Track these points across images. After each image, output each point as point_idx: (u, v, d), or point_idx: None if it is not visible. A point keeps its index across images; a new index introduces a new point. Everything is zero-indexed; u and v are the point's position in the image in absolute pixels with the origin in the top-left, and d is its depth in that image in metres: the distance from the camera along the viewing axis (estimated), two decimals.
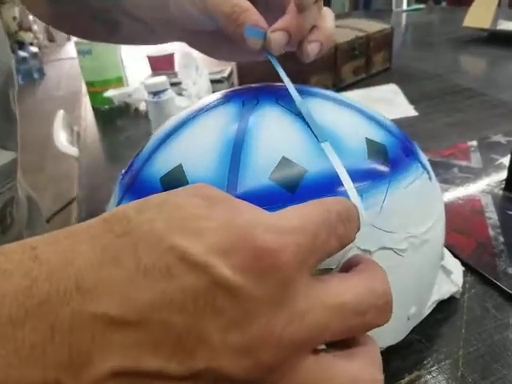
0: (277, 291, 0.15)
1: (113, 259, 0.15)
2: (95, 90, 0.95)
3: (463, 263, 0.40)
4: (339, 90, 0.90)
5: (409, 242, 0.26)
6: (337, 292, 0.17)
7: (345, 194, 0.24)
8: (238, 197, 0.23)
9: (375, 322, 0.18)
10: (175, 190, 0.18)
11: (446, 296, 0.34)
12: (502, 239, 0.43)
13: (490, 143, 0.64)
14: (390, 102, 0.80)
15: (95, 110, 0.97)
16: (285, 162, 0.24)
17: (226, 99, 0.29)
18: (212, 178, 0.24)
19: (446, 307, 0.36)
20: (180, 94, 0.89)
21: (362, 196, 0.24)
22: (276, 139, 0.25)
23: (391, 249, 0.25)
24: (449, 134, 0.70)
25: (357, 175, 0.25)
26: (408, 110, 0.77)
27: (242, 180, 0.24)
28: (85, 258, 0.15)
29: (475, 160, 0.59)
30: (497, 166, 0.57)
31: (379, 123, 0.29)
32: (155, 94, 0.75)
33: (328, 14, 0.30)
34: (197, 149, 0.26)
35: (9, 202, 0.36)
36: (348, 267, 0.20)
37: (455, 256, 0.40)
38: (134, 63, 1.15)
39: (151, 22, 0.41)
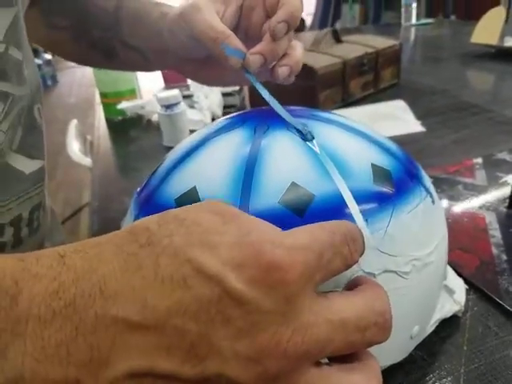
0: (284, 304, 0.16)
1: (135, 268, 0.17)
2: (108, 101, 0.97)
3: (466, 281, 0.41)
4: (347, 104, 0.92)
5: (412, 265, 0.27)
6: (339, 309, 0.18)
7: (351, 218, 0.25)
8: None
9: (375, 339, 0.19)
10: (191, 205, 0.20)
11: (449, 315, 0.35)
12: (504, 257, 0.44)
13: (495, 160, 0.65)
14: (397, 118, 0.81)
15: (108, 120, 0.99)
16: (294, 187, 0.26)
17: (239, 124, 0.31)
18: (224, 200, 0.26)
19: (449, 325, 0.37)
20: (192, 107, 0.91)
21: (367, 220, 0.25)
22: (286, 165, 0.27)
23: (395, 272, 0.26)
24: (455, 150, 0.71)
25: (362, 200, 0.26)
26: (415, 126, 0.78)
27: (253, 203, 0.25)
28: (109, 266, 0.17)
29: (480, 177, 0.60)
30: (501, 184, 0.58)
31: (384, 148, 0.31)
32: (168, 107, 0.77)
33: (297, 44, 0.36)
34: (210, 172, 0.28)
35: (36, 206, 0.38)
36: (351, 287, 0.21)
37: (458, 274, 0.41)
38: (147, 75, 1.18)
39: (146, 50, 0.45)
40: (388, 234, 0.26)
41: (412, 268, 0.27)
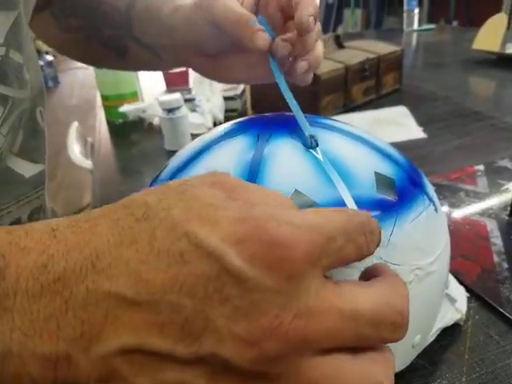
0: (286, 284, 0.15)
1: (130, 242, 0.16)
2: (110, 104, 0.97)
3: (467, 289, 0.41)
4: (349, 110, 0.92)
5: (415, 274, 0.27)
6: (352, 299, 0.17)
7: None
8: None
9: (390, 337, 0.18)
10: (194, 177, 0.19)
11: (450, 323, 0.35)
12: (506, 265, 0.44)
13: (497, 168, 0.65)
14: (399, 124, 0.81)
15: (109, 123, 0.99)
16: (297, 194, 0.26)
17: (241, 131, 0.31)
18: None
19: (450, 333, 0.37)
20: (193, 111, 0.91)
21: None
22: (289, 172, 0.27)
23: None
24: (456, 156, 0.71)
25: (365, 208, 0.26)
26: (417, 132, 0.78)
27: None
28: (103, 239, 0.16)
29: (481, 184, 0.60)
30: (503, 192, 0.58)
31: (387, 155, 0.31)
32: (169, 110, 0.77)
33: (318, 42, 0.36)
34: None
35: (36, 210, 0.38)
36: (369, 276, 0.20)
37: (459, 281, 0.41)
38: (149, 78, 1.18)
39: (157, 47, 0.44)
40: (391, 243, 0.26)
41: (415, 277, 0.27)
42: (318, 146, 0.28)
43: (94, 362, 0.15)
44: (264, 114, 0.34)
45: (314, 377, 0.16)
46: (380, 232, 0.19)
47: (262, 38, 0.33)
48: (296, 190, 0.26)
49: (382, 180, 0.28)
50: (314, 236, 0.16)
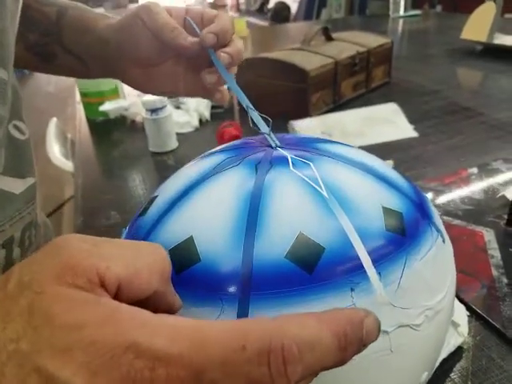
0: None
1: None
2: (90, 100, 0.93)
3: (467, 306, 0.40)
4: (339, 106, 0.90)
5: (424, 316, 0.25)
6: None
7: (364, 273, 0.23)
8: (254, 273, 0.23)
9: None
10: (34, 270, 0.17)
11: (453, 349, 0.34)
12: (505, 280, 0.43)
13: (491, 170, 0.64)
14: (390, 122, 0.79)
15: (89, 120, 0.95)
16: (302, 238, 0.24)
17: (238, 161, 0.28)
18: (225, 252, 0.24)
19: (453, 357, 0.36)
20: (178, 108, 0.88)
21: (380, 274, 0.24)
22: (292, 211, 0.25)
23: (408, 325, 0.25)
24: (449, 157, 0.70)
25: (375, 251, 0.24)
26: (408, 131, 0.77)
27: (257, 257, 0.23)
28: None
29: (476, 190, 0.59)
30: (499, 198, 0.57)
31: (394, 185, 0.29)
32: (153, 111, 0.74)
33: (238, 39, 0.41)
34: (208, 219, 0.25)
35: (28, 225, 0.37)
36: None
37: (459, 299, 0.40)
38: None
39: (87, 57, 0.45)
40: (401, 287, 0.24)
41: (425, 319, 0.26)
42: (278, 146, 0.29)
43: None
44: (260, 138, 0.32)
45: None
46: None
47: (193, 40, 0.38)
48: (301, 233, 0.24)
49: (390, 215, 0.26)
50: (175, 370, 0.15)
